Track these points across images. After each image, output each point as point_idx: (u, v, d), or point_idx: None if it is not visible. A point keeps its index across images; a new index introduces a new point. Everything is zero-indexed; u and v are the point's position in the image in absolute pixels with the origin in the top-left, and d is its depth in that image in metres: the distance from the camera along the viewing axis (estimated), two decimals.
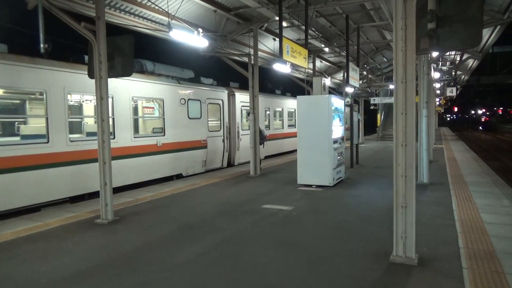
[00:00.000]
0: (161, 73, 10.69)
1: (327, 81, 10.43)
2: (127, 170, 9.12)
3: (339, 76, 21.94)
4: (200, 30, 8.43)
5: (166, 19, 8.35)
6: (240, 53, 12.41)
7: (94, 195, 8.13)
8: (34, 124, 8.16)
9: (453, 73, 24.54)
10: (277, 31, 9.39)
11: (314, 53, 15.02)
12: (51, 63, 7.56)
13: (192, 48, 9.80)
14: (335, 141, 8.79)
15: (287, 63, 9.50)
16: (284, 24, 10.53)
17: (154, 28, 9.29)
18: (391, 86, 19.04)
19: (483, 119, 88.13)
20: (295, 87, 19.03)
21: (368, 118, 30.24)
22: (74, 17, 6.15)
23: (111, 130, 7.82)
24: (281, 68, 10.52)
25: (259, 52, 11.16)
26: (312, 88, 10.17)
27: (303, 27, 10.41)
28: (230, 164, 13.65)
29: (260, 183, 9.45)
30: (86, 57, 7.04)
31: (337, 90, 23.84)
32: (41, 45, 5.90)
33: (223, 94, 13.26)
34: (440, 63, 20.79)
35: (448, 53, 18.06)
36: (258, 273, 3.94)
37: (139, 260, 4.36)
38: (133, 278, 3.87)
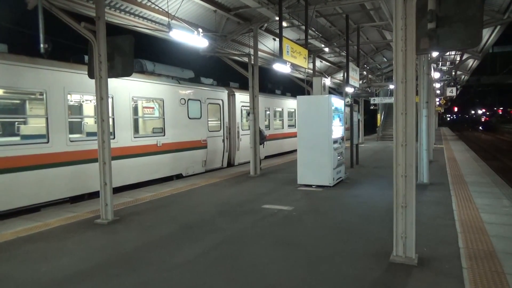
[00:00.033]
0: (161, 73, 10.69)
1: (327, 81, 10.43)
2: (127, 170, 9.12)
3: (339, 76, 21.94)
4: (200, 30, 8.43)
5: (166, 19, 8.35)
6: (240, 53, 12.41)
7: (94, 195, 8.13)
8: (34, 124, 8.17)
9: (453, 73, 24.55)
10: (277, 31, 9.39)
11: (314, 53, 15.02)
12: (51, 63, 7.56)
13: (192, 48, 9.80)
14: (335, 141, 8.79)
15: (287, 63, 9.50)
16: (284, 24, 10.53)
17: (154, 28, 9.29)
18: (391, 86, 19.04)
19: (483, 119, 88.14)
20: (295, 87, 19.04)
21: (368, 118, 30.26)
22: (74, 17, 6.15)
23: (111, 130, 7.81)
24: (281, 68, 10.52)
25: (259, 52, 11.16)
26: (312, 88, 10.16)
27: (303, 27, 10.41)
28: (230, 164, 13.65)
29: (260, 183, 9.45)
30: (86, 57, 7.04)
31: (337, 90, 23.83)
32: (41, 45, 5.90)
33: (223, 94, 13.26)
34: (440, 63, 20.79)
35: (448, 53, 18.06)
36: (258, 273, 3.94)
37: (139, 260, 4.36)
38: (133, 278, 3.87)
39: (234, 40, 11.78)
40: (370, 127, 32.70)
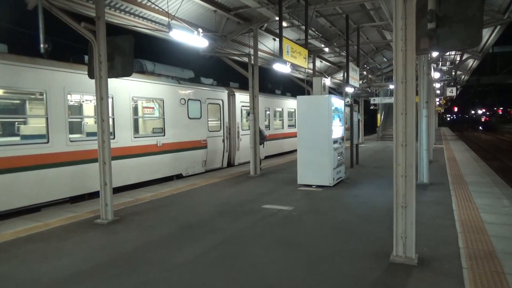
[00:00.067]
0: (161, 73, 10.69)
1: (327, 81, 10.43)
2: (127, 170, 9.12)
3: (339, 76, 21.94)
4: (200, 30, 8.43)
5: (166, 19, 8.35)
6: (240, 53, 12.41)
7: (94, 195, 8.13)
8: (34, 124, 8.16)
9: (453, 73, 24.55)
10: (277, 31, 9.39)
11: (314, 53, 15.02)
12: (51, 63, 7.56)
13: (192, 48, 9.80)
14: (335, 141, 8.79)
15: (287, 63, 9.50)
16: (284, 24, 10.53)
17: (154, 28, 9.29)
18: (391, 86, 19.04)
19: (483, 119, 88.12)
20: (295, 87, 19.04)
21: (368, 118, 30.26)
22: (74, 17, 6.15)
23: (111, 130, 7.82)
24: (281, 68, 10.52)
25: (259, 52, 11.16)
26: (312, 88, 10.17)
27: (303, 27, 10.41)
28: (230, 164, 13.65)
29: (260, 183, 9.45)
30: (86, 57, 7.04)
31: (337, 90, 23.84)
32: (41, 45, 5.91)
33: (223, 94, 13.26)
34: (440, 63, 20.79)
35: (448, 53, 18.05)
36: (258, 273, 3.94)
37: (139, 260, 4.37)
38: (133, 278, 3.87)
39: (234, 40, 11.78)
40: (370, 127, 32.70)
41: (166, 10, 8.42)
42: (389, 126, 24.93)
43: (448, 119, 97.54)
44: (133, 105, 9.54)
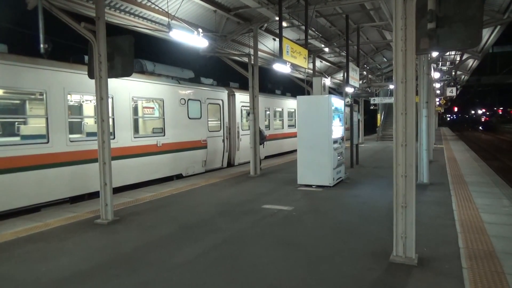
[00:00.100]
0: (161, 73, 10.69)
1: (327, 81, 10.43)
2: (127, 170, 9.12)
3: (339, 76, 21.94)
4: (200, 30, 8.43)
5: (166, 19, 8.35)
6: (240, 53, 12.41)
7: (94, 195, 8.13)
8: (34, 124, 8.17)
9: (453, 73, 24.56)
10: (277, 31, 9.39)
11: (314, 53, 15.01)
12: (51, 63, 7.56)
13: (192, 48, 9.80)
14: (335, 141, 8.79)
15: (287, 63, 9.50)
16: (284, 24, 10.53)
17: (154, 28, 9.29)
18: (391, 86, 19.04)
19: (483, 119, 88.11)
20: (295, 87, 19.05)
21: (368, 118, 30.25)
22: (74, 17, 6.15)
23: (111, 130, 7.82)
24: (281, 68, 10.52)
25: (259, 52, 11.16)
26: (312, 88, 10.17)
27: (303, 27, 10.41)
28: (230, 164, 13.66)
29: (260, 183, 9.45)
30: (86, 57, 7.04)
31: (337, 90, 23.84)
32: (41, 45, 5.90)
33: (223, 94, 13.26)
34: (440, 63, 20.79)
35: (448, 53, 18.06)
36: (258, 273, 3.94)
37: (139, 260, 4.37)
38: (133, 278, 3.87)
39: (234, 40, 11.78)
40: (370, 127, 32.70)
41: (166, 10, 8.42)
42: (389, 126, 24.93)
43: (448, 119, 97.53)
44: (133, 105, 9.54)
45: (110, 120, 7.33)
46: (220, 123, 13.12)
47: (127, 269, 4.09)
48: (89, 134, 8.54)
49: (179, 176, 10.99)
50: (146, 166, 9.75)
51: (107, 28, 6.02)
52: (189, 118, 11.37)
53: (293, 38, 12.33)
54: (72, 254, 4.62)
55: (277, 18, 9.46)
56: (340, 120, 9.25)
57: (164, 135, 10.36)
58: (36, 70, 7.27)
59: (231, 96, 13.73)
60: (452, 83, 25.60)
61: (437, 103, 30.52)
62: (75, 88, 8.05)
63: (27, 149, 7.10)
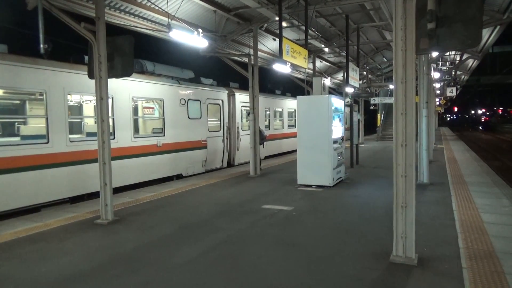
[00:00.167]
0: (161, 74, 10.70)
1: (327, 81, 10.43)
2: (127, 170, 9.12)
3: (339, 76, 21.94)
4: (200, 30, 8.43)
5: (166, 19, 8.35)
6: (240, 53, 12.42)
7: (94, 195, 8.13)
8: (34, 125, 8.17)
9: (453, 73, 24.56)
10: (277, 31, 9.39)
11: (314, 53, 15.02)
12: (51, 64, 7.56)
13: (192, 48, 9.80)
14: (335, 141, 8.79)
15: (287, 63, 9.50)
16: (284, 24, 10.53)
17: (154, 29, 9.29)
18: (391, 86, 19.04)
19: (483, 119, 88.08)
20: (295, 87, 19.07)
21: (368, 118, 30.25)
22: (74, 17, 6.15)
23: (111, 130, 7.82)
24: (281, 68, 10.52)
25: (259, 52, 11.16)
26: (312, 88, 10.16)
27: (303, 27, 10.40)
28: (230, 164, 13.66)
29: (260, 183, 9.45)
30: (86, 58, 7.04)
31: (337, 90, 23.84)
32: (41, 46, 5.90)
33: (223, 94, 13.26)
34: (440, 63, 20.80)
35: (448, 53, 18.06)
36: (258, 273, 3.94)
37: (139, 260, 4.37)
38: (133, 278, 3.87)
39: (234, 40, 11.78)
40: (370, 127, 32.71)
41: (166, 10, 8.42)
42: (389, 126, 24.94)
43: (448, 119, 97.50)
44: (133, 105, 9.54)
45: (110, 120, 7.33)
46: (220, 123, 13.12)
47: (127, 269, 4.09)
48: (89, 134, 8.54)
49: (179, 176, 10.99)
50: (146, 166, 9.76)
51: (107, 28, 6.03)
52: (189, 118, 11.37)
53: (293, 38, 12.33)
54: (72, 254, 4.62)
55: (277, 18, 9.46)
56: (340, 120, 9.25)
57: (164, 135, 10.36)
58: (36, 70, 7.27)
59: (231, 96, 13.73)
60: (452, 83, 25.61)
61: (437, 103, 30.52)
62: (75, 88, 8.05)
63: (27, 149, 7.10)
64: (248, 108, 11.30)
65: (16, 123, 8.04)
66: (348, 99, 17.79)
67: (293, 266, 4.11)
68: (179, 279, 3.84)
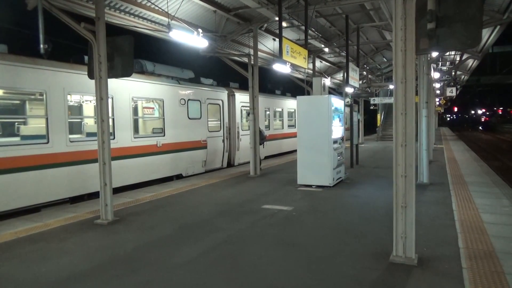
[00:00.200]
0: (161, 74, 10.70)
1: (327, 81, 10.43)
2: (127, 170, 9.12)
3: (339, 76, 21.94)
4: (200, 30, 8.43)
5: (166, 19, 8.35)
6: (240, 54, 12.42)
7: (94, 195, 8.13)
8: (34, 125, 8.17)
9: (453, 73, 24.55)
10: (277, 31, 9.39)
11: (314, 53, 15.02)
12: (51, 64, 7.56)
13: (192, 48, 9.80)
14: (335, 141, 8.79)
15: (287, 63, 9.50)
16: (284, 24, 10.53)
17: (154, 29, 9.29)
18: (391, 86, 19.04)
19: (483, 119, 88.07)
20: (295, 87, 19.06)
21: (368, 118, 30.26)
22: (74, 17, 6.15)
23: (111, 130, 7.82)
24: (281, 68, 10.52)
25: (259, 53, 11.16)
26: (312, 88, 10.16)
27: (303, 27, 10.40)
28: (230, 164, 13.66)
29: (260, 183, 9.45)
30: (86, 58, 7.04)
31: (337, 90, 23.84)
32: (41, 46, 5.90)
33: (223, 94, 13.26)
34: (440, 63, 20.80)
35: (448, 53, 18.06)
36: (258, 273, 3.94)
37: (139, 260, 4.37)
38: (133, 278, 3.87)
39: (234, 40, 11.78)
40: (370, 127, 32.71)
41: (166, 10, 8.42)
42: (389, 126, 24.93)
43: (448, 119, 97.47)
44: (133, 106, 9.54)
45: (110, 120, 7.33)
46: (220, 123, 13.12)
47: (127, 269, 4.09)
48: (89, 134, 8.54)
49: (179, 176, 10.99)
50: (146, 166, 9.76)
51: (107, 28, 6.03)
52: (189, 118, 11.37)
53: (293, 38, 12.33)
54: (72, 254, 4.62)
55: (277, 18, 9.46)
56: (340, 120, 9.25)
57: (164, 135, 10.36)
58: (36, 71, 7.27)
59: (231, 96, 13.73)
60: (452, 83, 25.61)
61: (437, 103, 30.52)
62: (75, 88, 8.05)
63: (27, 149, 7.10)
64: (248, 108, 11.30)
65: (16, 123, 8.03)
66: (348, 99, 17.79)
67: (293, 266, 4.11)
68: (179, 279, 3.84)
